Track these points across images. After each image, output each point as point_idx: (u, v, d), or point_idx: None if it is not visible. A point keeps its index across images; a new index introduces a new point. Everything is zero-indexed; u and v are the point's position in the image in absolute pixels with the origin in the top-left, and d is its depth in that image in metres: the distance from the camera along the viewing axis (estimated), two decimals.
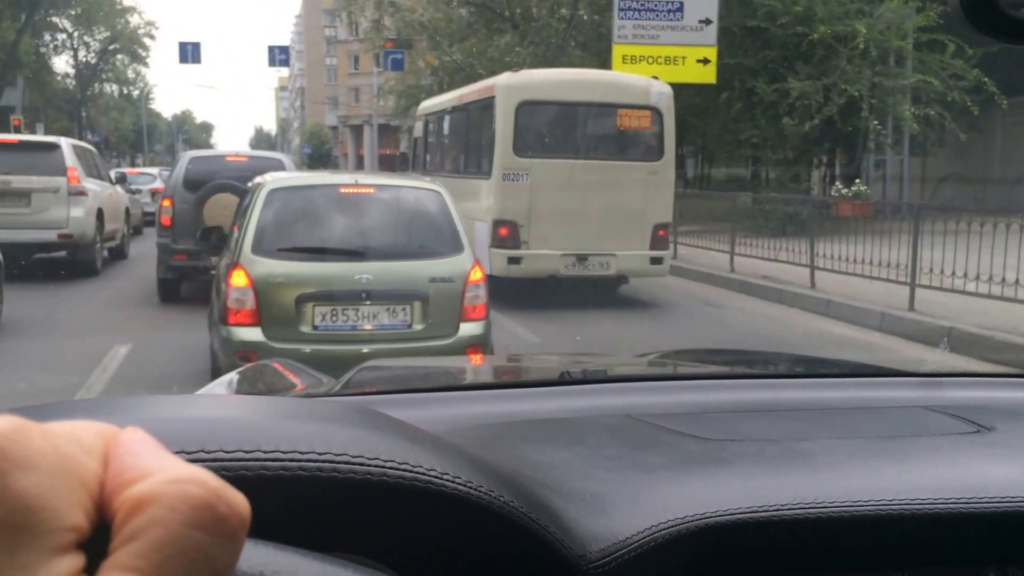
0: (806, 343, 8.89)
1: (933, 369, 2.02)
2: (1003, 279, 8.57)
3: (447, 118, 14.29)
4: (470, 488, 0.78)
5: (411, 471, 0.76)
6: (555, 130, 11.36)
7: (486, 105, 11.45)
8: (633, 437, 1.28)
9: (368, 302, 5.58)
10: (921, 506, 0.98)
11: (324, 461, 0.73)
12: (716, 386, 1.67)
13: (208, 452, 0.71)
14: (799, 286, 11.21)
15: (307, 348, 5.40)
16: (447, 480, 0.77)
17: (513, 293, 10.32)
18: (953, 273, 9.07)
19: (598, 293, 10.80)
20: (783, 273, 11.84)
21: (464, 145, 13.03)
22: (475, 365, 2.93)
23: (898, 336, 8.94)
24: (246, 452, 0.72)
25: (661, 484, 1.02)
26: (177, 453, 0.66)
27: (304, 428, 0.78)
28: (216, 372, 5.70)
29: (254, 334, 5.46)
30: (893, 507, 0.98)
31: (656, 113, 11.03)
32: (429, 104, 16.40)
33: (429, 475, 0.76)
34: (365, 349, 5.50)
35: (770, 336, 9.27)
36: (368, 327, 5.60)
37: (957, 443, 1.25)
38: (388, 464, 0.75)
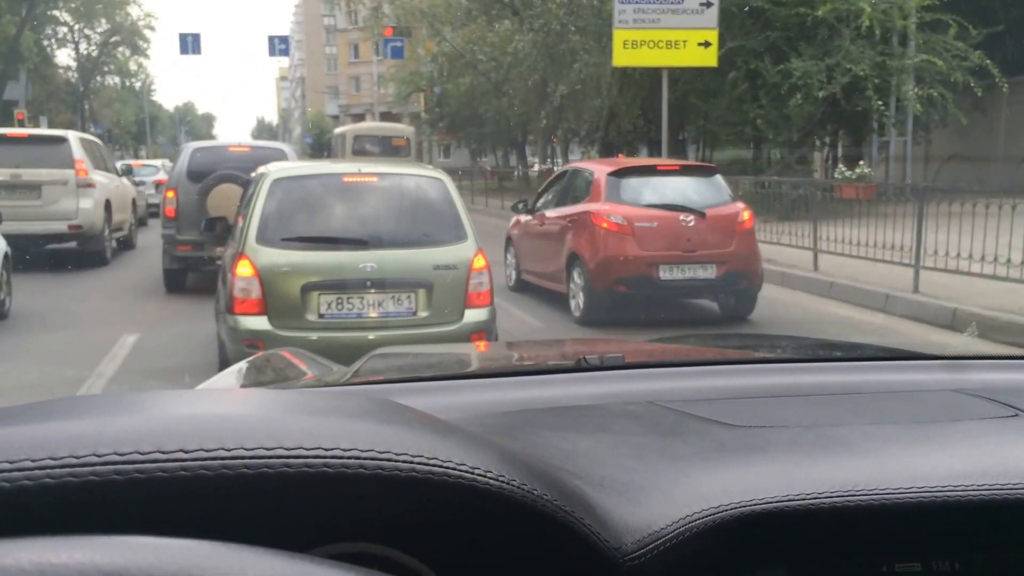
0: (812, 325, 8.90)
1: (959, 352, 1.96)
2: (1008, 260, 8.56)
3: (336, 138, 28.64)
4: (502, 482, 0.77)
5: (441, 466, 0.74)
6: (368, 146, 24.93)
7: (344, 135, 26.30)
8: (659, 424, 1.25)
9: (373, 290, 5.61)
10: (964, 493, 0.96)
11: (350, 457, 0.72)
12: (738, 371, 1.65)
13: (228, 450, 0.70)
14: (802, 269, 11.21)
15: (313, 336, 5.44)
16: (478, 475, 0.76)
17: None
18: (958, 255, 9.06)
19: None
20: (786, 256, 11.83)
21: (339, 152, 25.84)
22: (487, 352, 2.91)
23: (903, 317, 8.96)
24: (267, 449, 0.71)
25: (693, 472, 1.00)
26: (196, 451, 0.70)
27: (327, 424, 0.77)
28: (224, 360, 5.74)
29: (260, 323, 5.49)
30: (935, 494, 0.95)
31: (407, 139, 25.79)
32: (336, 131, 32.62)
33: (460, 470, 0.75)
34: (371, 336, 5.53)
35: (774, 318, 9.28)
36: (373, 314, 5.63)
37: (995, 427, 1.22)
38: (417, 459, 0.74)
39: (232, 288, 5.59)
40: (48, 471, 0.67)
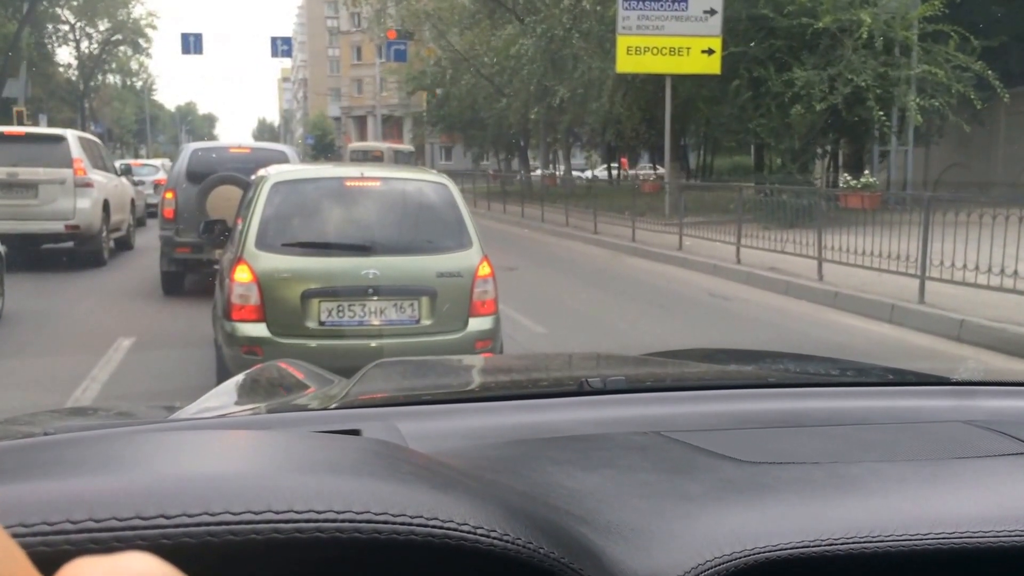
0: (817, 336, 8.82)
1: (966, 377, 1.95)
2: (1015, 272, 8.48)
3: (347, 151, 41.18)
4: (507, 542, 0.73)
5: (441, 527, 0.71)
6: (365, 155, 34.91)
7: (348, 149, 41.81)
8: (666, 459, 1.22)
9: (375, 297, 5.50)
10: (984, 538, 0.92)
11: (343, 521, 0.68)
12: (744, 396, 1.63)
13: (213, 515, 0.66)
14: (806, 278, 11.12)
15: (313, 343, 5.33)
16: (481, 535, 0.72)
17: (516, 284, 10.32)
18: (964, 266, 8.97)
19: None
20: (790, 265, 11.76)
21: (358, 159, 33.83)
22: (488, 367, 2.85)
23: (909, 329, 8.87)
24: (255, 513, 0.66)
25: (702, 515, 0.96)
26: (178, 516, 0.65)
27: (319, 483, 0.73)
28: (222, 366, 5.64)
29: (259, 330, 5.38)
30: (953, 541, 0.91)
31: (382, 152, 35.78)
32: (350, 146, 44.11)
33: (461, 531, 0.71)
34: (373, 344, 5.43)
35: (780, 327, 9.21)
36: (376, 322, 5.51)
37: (1009, 466, 1.19)
38: (416, 520, 0.70)
39: (230, 294, 5.47)
40: (17, 540, 0.59)
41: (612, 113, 24.08)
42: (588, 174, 44.29)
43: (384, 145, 40.92)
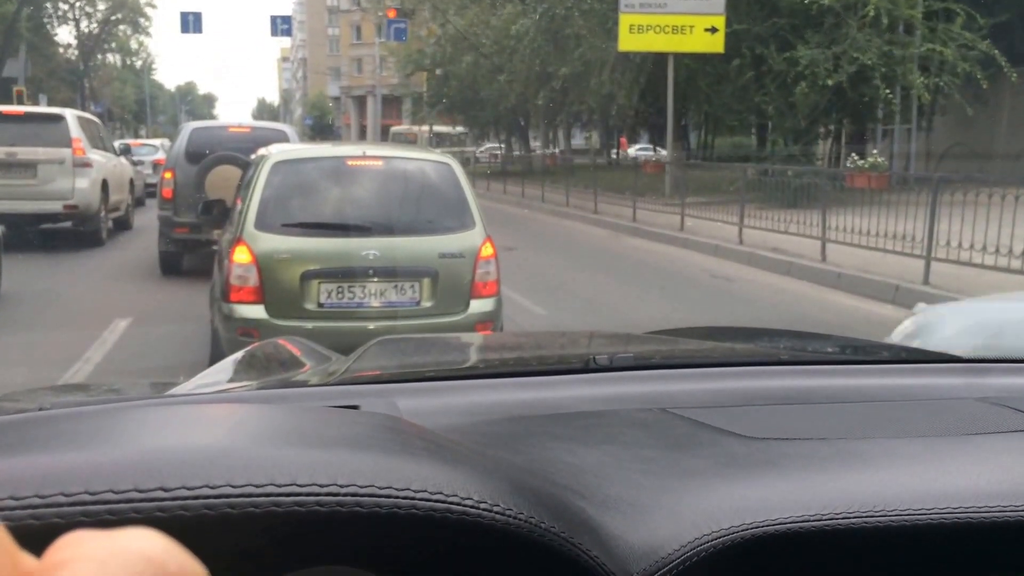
0: (819, 317, 8.76)
1: (976, 354, 1.92)
2: (1023, 252, 8.41)
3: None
4: (509, 517, 0.72)
5: (444, 501, 0.70)
6: (398, 137, 38.71)
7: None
8: (670, 435, 1.19)
9: (375, 279, 5.42)
10: (989, 513, 0.90)
11: (346, 495, 0.67)
12: (750, 373, 1.60)
13: (213, 487, 0.64)
14: (809, 259, 11.06)
15: (310, 325, 5.26)
16: (484, 509, 0.71)
17: (516, 265, 10.27)
18: (971, 246, 8.90)
19: None
20: (793, 245, 11.69)
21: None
22: (490, 345, 2.81)
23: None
24: (257, 487, 0.65)
25: (704, 490, 0.94)
26: (178, 488, 0.64)
27: (322, 456, 0.71)
28: (216, 349, 5.56)
29: (256, 311, 5.31)
30: (959, 514, 0.89)
31: (416, 134, 41.48)
32: (392, 129, 45.43)
33: (464, 505, 0.71)
34: (372, 326, 5.36)
35: (782, 308, 9.14)
36: (375, 304, 5.44)
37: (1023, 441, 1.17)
38: (419, 495, 0.69)
39: (228, 275, 5.40)
40: (6, 513, 0.60)
41: (611, 92, 23.91)
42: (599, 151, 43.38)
43: (419, 128, 42.65)
